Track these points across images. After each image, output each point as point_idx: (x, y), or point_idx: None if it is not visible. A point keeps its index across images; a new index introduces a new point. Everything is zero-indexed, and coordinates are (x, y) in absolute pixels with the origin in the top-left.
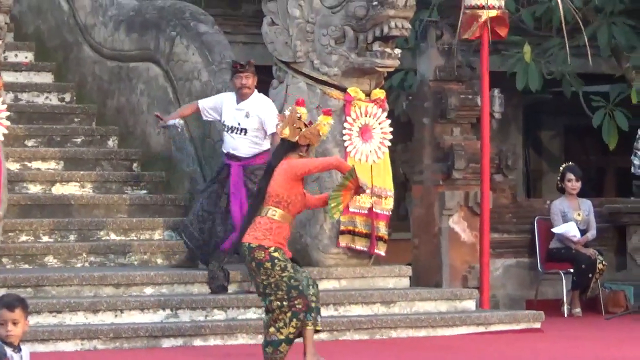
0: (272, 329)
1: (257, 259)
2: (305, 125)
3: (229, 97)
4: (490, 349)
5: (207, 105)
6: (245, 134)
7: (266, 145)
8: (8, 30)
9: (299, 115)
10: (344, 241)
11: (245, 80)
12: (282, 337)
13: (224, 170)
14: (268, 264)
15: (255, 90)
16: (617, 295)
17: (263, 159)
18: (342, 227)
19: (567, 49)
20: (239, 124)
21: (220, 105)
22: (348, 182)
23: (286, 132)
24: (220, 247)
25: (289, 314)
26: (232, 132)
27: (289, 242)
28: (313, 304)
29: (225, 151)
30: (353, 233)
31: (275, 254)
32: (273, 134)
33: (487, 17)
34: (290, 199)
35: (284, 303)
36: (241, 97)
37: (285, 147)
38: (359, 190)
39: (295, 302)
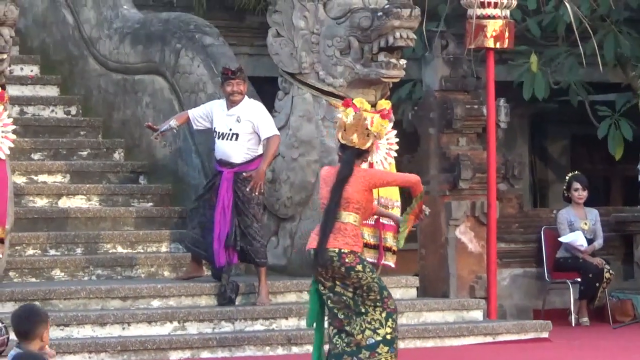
0: (368, 332)
1: (348, 264)
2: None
3: (219, 104)
4: (499, 359)
5: (197, 114)
6: (237, 139)
7: (260, 150)
8: (13, 43)
9: (367, 122)
10: None
11: (236, 87)
12: (379, 338)
13: (217, 178)
14: (360, 267)
15: (246, 96)
16: (624, 304)
17: (255, 165)
18: None
19: (579, 57)
20: (230, 129)
21: (210, 113)
22: (416, 205)
23: (355, 140)
24: (231, 261)
25: (383, 314)
26: (223, 138)
27: (297, 253)
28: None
29: (217, 158)
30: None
31: (364, 257)
32: (268, 139)
33: (493, 27)
34: (367, 207)
35: (378, 304)
36: (232, 103)
37: (355, 155)
38: (420, 215)
39: (388, 302)
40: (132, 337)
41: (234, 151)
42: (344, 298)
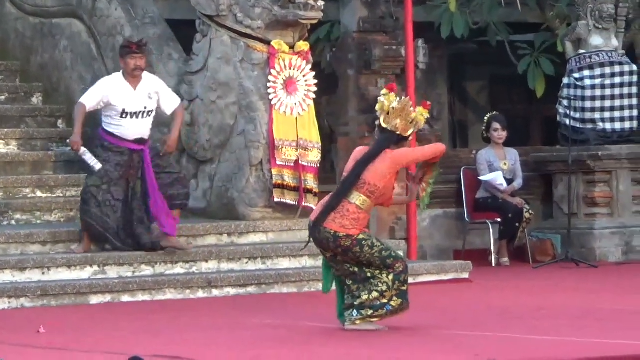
0: (375, 294)
1: (344, 246)
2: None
3: (116, 82)
4: (419, 300)
5: (95, 104)
6: (149, 116)
7: None
8: None
9: (412, 109)
10: (276, 195)
11: (139, 62)
12: (384, 300)
13: (133, 157)
14: (357, 249)
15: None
16: (544, 244)
17: (151, 139)
18: (274, 181)
19: None
20: (145, 107)
21: (106, 95)
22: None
23: (398, 125)
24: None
25: (390, 277)
26: (136, 117)
27: (216, 196)
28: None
29: (130, 138)
30: (282, 187)
31: (361, 236)
32: (176, 112)
33: None
34: (385, 191)
35: (383, 270)
36: (133, 78)
37: (393, 140)
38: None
39: (396, 265)
40: (52, 281)
41: (147, 128)
42: (347, 267)
